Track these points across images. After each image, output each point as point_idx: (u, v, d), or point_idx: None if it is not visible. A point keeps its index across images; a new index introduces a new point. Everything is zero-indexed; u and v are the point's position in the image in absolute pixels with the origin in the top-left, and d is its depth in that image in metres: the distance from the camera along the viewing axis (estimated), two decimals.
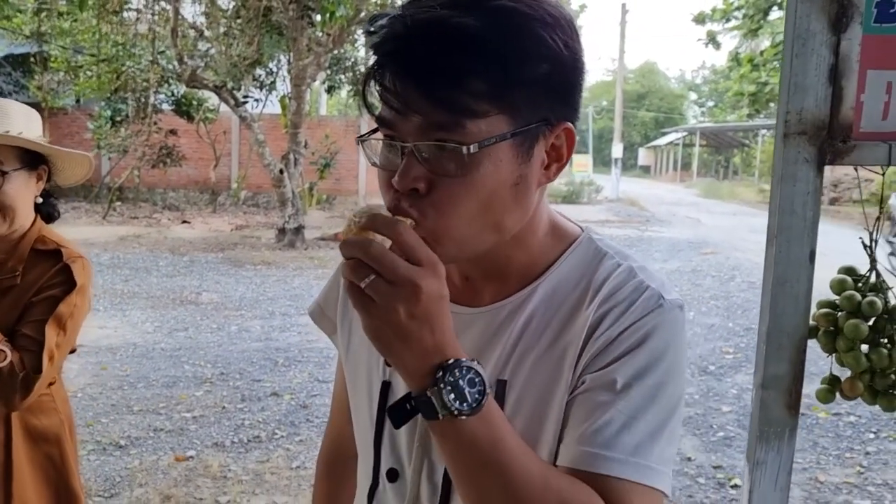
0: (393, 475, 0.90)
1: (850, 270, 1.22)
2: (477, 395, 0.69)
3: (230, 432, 4.35)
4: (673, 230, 15.51)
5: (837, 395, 1.22)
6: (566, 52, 0.77)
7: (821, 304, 1.22)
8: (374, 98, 0.79)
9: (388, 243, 0.68)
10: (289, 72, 12.05)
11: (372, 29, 0.77)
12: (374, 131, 0.80)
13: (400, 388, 0.88)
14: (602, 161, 43.53)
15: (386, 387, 0.90)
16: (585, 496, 0.74)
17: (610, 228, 15.22)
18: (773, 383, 1.21)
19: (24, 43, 12.30)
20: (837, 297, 1.19)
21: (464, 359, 0.70)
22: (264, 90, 14.69)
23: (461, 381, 0.69)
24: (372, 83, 0.77)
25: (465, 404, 0.69)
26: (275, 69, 14.53)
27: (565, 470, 0.77)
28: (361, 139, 0.81)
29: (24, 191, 1.67)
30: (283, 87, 14.34)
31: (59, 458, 1.74)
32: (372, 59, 0.77)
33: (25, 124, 1.68)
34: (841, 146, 1.14)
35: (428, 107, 0.73)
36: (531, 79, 0.75)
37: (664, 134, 43.89)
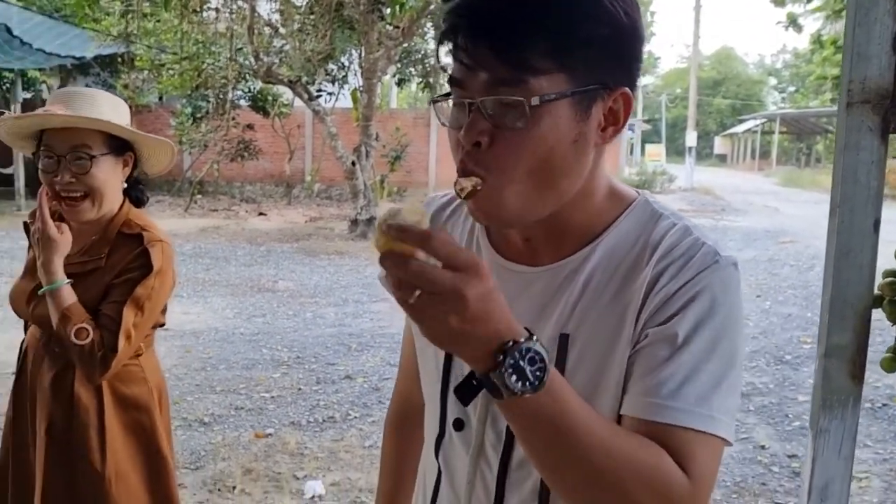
0: (459, 424, 0.95)
1: None
2: (538, 373, 0.70)
3: (306, 412, 4.52)
4: (749, 219, 15.07)
5: None
6: (626, 18, 0.81)
7: (886, 274, 1.22)
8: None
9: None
10: (360, 65, 12.25)
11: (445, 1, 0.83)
12: (447, 95, 0.85)
13: None
14: (676, 150, 42.49)
15: None
16: (653, 454, 0.76)
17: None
18: (837, 352, 1.23)
19: (112, 44, 12.89)
20: None
21: (522, 339, 0.70)
22: (336, 84, 14.98)
23: (521, 362, 0.70)
24: (446, 44, 0.83)
25: (527, 384, 0.70)
26: (346, 63, 14.78)
27: (631, 420, 0.80)
28: (434, 101, 0.87)
29: (111, 175, 1.75)
30: (355, 80, 14.58)
31: (148, 424, 1.83)
32: (447, 21, 0.83)
33: (112, 112, 1.76)
34: None
35: (494, 63, 0.78)
36: (591, 40, 0.79)
37: (741, 121, 42.51)
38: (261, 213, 15.54)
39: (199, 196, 16.69)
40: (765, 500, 3.52)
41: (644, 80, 46.99)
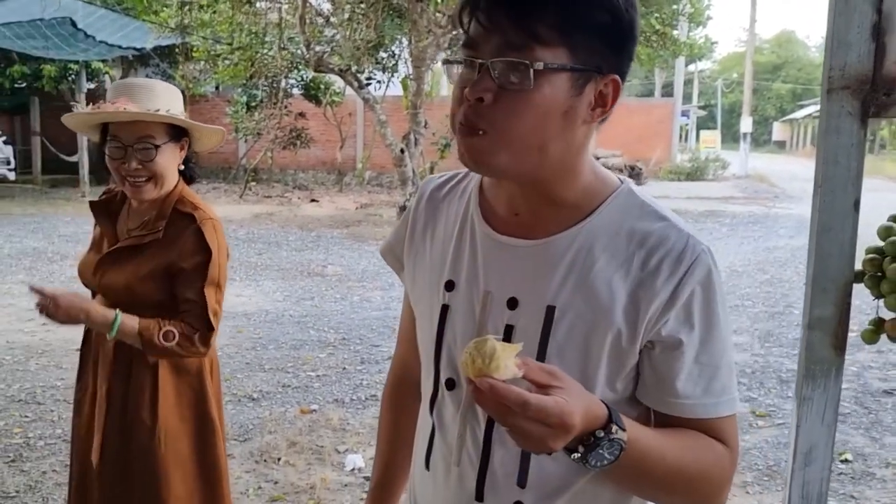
0: (451, 384, 1.04)
1: None
2: (616, 452, 0.84)
3: (349, 391, 4.70)
4: (803, 207, 14.70)
5: (884, 336, 1.28)
6: (626, 14, 0.91)
7: (868, 251, 1.28)
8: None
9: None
10: (410, 54, 12.38)
11: None
12: (458, 61, 0.94)
13: (457, 311, 1.04)
14: (732, 137, 41.49)
15: (445, 309, 1.05)
16: (709, 450, 0.96)
17: (733, 205, 14.67)
18: (819, 324, 1.29)
19: (170, 35, 13.33)
20: (884, 244, 1.26)
21: (600, 434, 0.83)
22: (387, 72, 15.15)
23: (599, 450, 0.83)
24: (467, 10, 0.93)
25: (605, 461, 0.84)
26: (396, 52, 14.93)
27: (678, 419, 0.96)
28: (447, 61, 0.97)
29: (171, 160, 1.94)
30: (405, 68, 14.72)
31: (199, 389, 2.01)
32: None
33: (170, 101, 1.94)
34: (885, 99, 1.20)
35: (507, 28, 0.88)
36: (593, 24, 0.89)
37: (802, 107, 41.27)
38: (313, 200, 15.86)
39: (254, 183, 17.11)
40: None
41: (700, 65, 45.92)
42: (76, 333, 2.13)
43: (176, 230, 1.91)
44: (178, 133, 1.96)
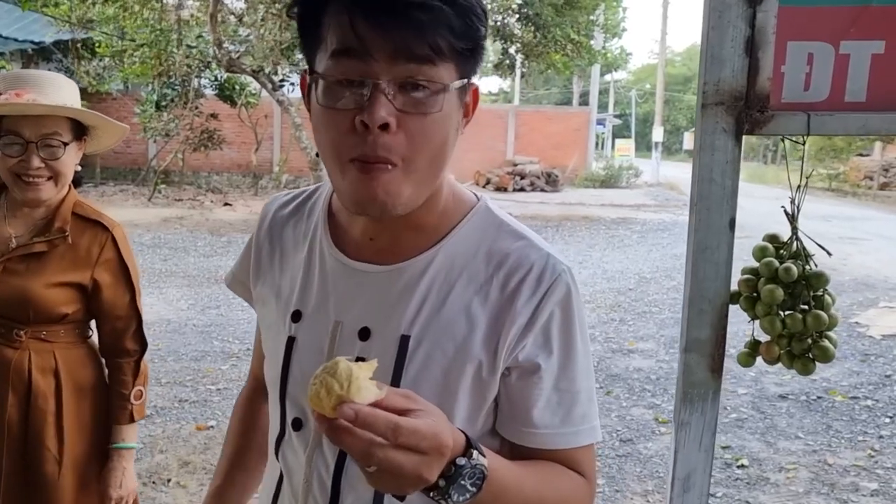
0: (297, 424, 0.95)
1: (773, 238, 1.26)
2: (478, 481, 0.75)
3: None
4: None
5: (759, 359, 1.25)
6: (486, 22, 0.85)
7: (744, 271, 1.25)
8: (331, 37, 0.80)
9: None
10: None
11: None
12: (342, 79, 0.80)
13: (304, 343, 0.94)
14: (646, 146, 42.87)
15: (291, 342, 0.95)
16: (568, 480, 0.90)
17: (645, 213, 15.07)
18: (696, 346, 1.26)
19: (70, 30, 12.69)
20: (759, 264, 1.23)
21: (462, 461, 0.74)
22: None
23: (461, 479, 0.74)
24: (330, 17, 0.79)
25: (466, 494, 0.75)
26: None
27: (535, 451, 0.90)
28: (315, 78, 0.81)
29: (73, 159, 1.80)
30: None
31: (101, 406, 1.86)
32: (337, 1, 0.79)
33: (74, 96, 1.81)
34: (758, 116, 1.17)
35: (410, 41, 0.76)
36: (474, 37, 0.82)
37: None
38: (226, 204, 15.40)
39: (164, 186, 16.50)
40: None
41: (616, 76, 47.27)
42: None
43: (88, 239, 1.80)
44: (79, 131, 1.82)
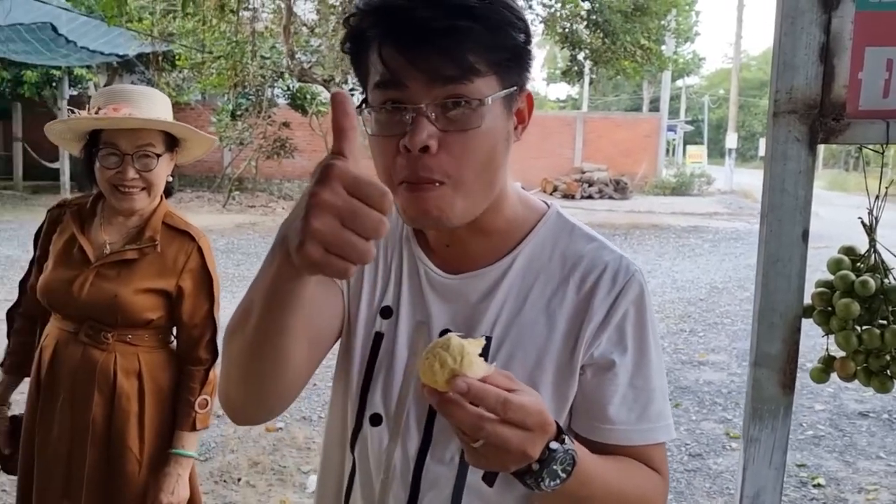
0: (376, 419, 0.97)
1: (849, 251, 1.21)
2: (568, 467, 0.77)
3: (318, 408, 4.59)
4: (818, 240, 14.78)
5: (834, 375, 1.21)
6: (528, 28, 0.87)
7: (818, 284, 1.22)
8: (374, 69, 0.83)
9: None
10: None
11: (362, 8, 0.83)
12: (385, 108, 0.83)
13: (392, 340, 0.97)
14: (720, 152, 41.78)
15: (378, 337, 0.98)
16: (645, 475, 0.91)
17: (718, 221, 14.67)
18: (766, 361, 1.22)
19: (152, 43, 13.24)
20: (833, 278, 1.19)
21: (555, 446, 0.76)
22: None
23: (554, 464, 0.76)
24: (371, 53, 0.83)
25: (557, 480, 0.77)
26: None
27: (613, 447, 0.90)
28: (363, 108, 0.85)
29: (165, 170, 1.88)
30: None
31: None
32: (370, 31, 0.82)
33: (167, 110, 1.90)
34: (834, 124, 1.14)
35: (440, 65, 0.79)
36: (512, 46, 0.84)
37: None
38: None
39: (238, 193, 16.98)
40: None
41: (688, 81, 46.26)
42: None
43: (176, 248, 1.87)
44: (171, 143, 1.90)
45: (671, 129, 29.39)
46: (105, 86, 18.14)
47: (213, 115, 15.75)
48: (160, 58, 14.01)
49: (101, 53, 13.33)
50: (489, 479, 0.90)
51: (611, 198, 19.14)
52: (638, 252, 11.14)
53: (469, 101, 0.81)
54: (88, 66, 16.11)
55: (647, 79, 26.69)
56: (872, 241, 1.18)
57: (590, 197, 19.07)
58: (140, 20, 13.36)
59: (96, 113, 1.80)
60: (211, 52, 12.57)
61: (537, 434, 0.73)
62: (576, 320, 0.91)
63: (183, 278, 1.85)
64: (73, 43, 12.32)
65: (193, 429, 1.88)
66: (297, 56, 11.73)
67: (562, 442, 0.76)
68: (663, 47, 17.33)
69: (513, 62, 0.85)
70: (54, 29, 11.76)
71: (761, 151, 47.84)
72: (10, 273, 8.47)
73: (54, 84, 16.30)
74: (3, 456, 1.97)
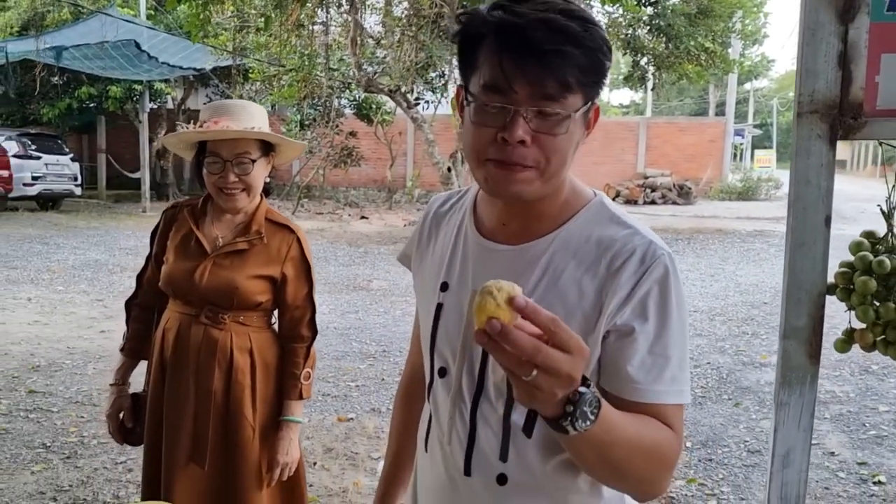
0: (442, 372, 1.17)
1: (869, 234, 1.36)
2: (595, 410, 0.87)
3: (387, 400, 4.83)
4: (856, 228, 14.29)
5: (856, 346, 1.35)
6: (611, 51, 1.04)
7: (841, 265, 1.36)
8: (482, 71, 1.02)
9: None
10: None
11: (482, 15, 1.02)
12: (492, 106, 1.01)
13: (450, 308, 1.16)
14: (790, 156, 40.60)
15: (439, 307, 1.18)
16: (661, 431, 1.02)
17: (783, 226, 14.35)
18: (794, 334, 1.37)
19: (227, 57, 13.86)
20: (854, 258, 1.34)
21: (583, 389, 0.84)
22: (436, 92, 15.42)
23: (584, 406, 0.85)
24: (482, 53, 1.01)
25: (587, 422, 0.86)
26: (446, 72, 15.21)
27: (627, 402, 1.03)
28: (468, 101, 1.04)
29: (262, 173, 2.12)
30: (454, 88, 14.96)
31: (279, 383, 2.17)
32: (488, 38, 1.01)
33: (262, 120, 2.14)
34: (852, 122, 1.29)
35: (544, 79, 0.98)
36: (599, 72, 1.03)
37: None
38: (362, 217, 16.16)
39: (306, 200, 17.53)
40: (826, 503, 3.54)
41: (757, 84, 45.17)
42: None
43: (279, 240, 2.13)
44: (267, 148, 2.15)
45: (738, 133, 28.81)
46: (182, 99, 19.00)
47: (283, 126, 16.32)
48: (234, 71, 14.63)
49: (180, 68, 14.04)
50: (528, 429, 1.04)
51: (674, 203, 18.95)
52: (701, 257, 11.07)
53: (561, 113, 1.00)
54: (167, 81, 16.92)
55: (713, 82, 26.29)
56: (890, 226, 1.33)
57: (652, 202, 18.92)
58: (216, 36, 14.00)
59: (200, 126, 2.07)
60: (283, 66, 13.07)
61: (577, 357, 0.80)
62: (603, 293, 1.05)
63: (286, 266, 2.10)
64: (154, 59, 13.04)
65: (300, 398, 2.13)
66: (363, 67, 12.10)
67: (588, 386, 0.88)
68: (729, 50, 17.10)
69: (598, 82, 1.03)
70: (137, 45, 12.48)
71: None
72: (99, 275, 9.04)
73: (136, 98, 17.16)
74: (126, 430, 2.25)
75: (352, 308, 7.66)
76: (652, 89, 16.78)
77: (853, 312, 1.35)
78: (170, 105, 19.31)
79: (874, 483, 3.73)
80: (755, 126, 39.03)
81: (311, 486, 3.62)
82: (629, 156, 21.32)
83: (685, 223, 14.82)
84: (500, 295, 0.80)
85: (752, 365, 5.73)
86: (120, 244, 11.55)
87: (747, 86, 40.70)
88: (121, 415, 2.23)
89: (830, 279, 1.36)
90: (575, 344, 0.81)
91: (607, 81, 1.07)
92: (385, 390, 5.02)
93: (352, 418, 4.57)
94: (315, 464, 3.86)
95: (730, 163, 23.08)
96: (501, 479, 1.10)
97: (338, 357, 5.86)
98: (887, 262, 1.28)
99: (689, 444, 4.22)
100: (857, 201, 20.59)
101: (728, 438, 4.34)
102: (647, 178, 19.92)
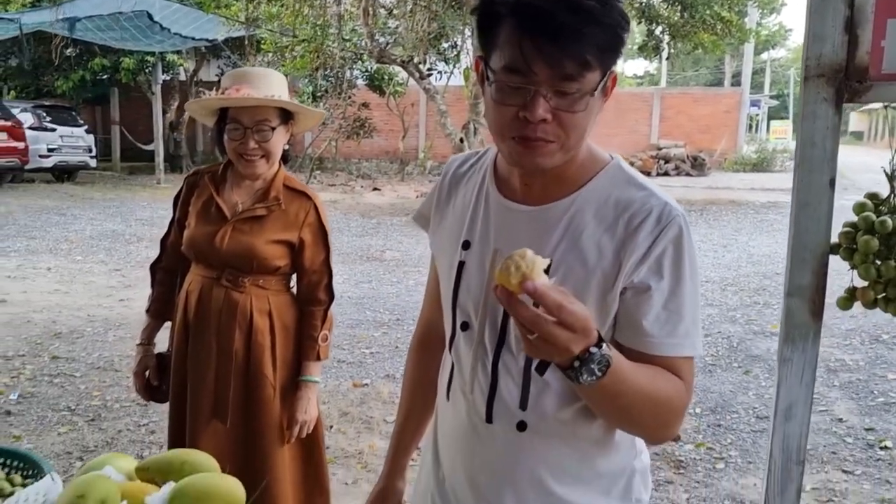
0: (465, 326, 1.23)
1: (872, 196, 1.39)
2: (603, 367, 0.94)
3: (401, 367, 4.90)
4: None
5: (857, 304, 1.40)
6: (629, 24, 1.07)
7: (845, 225, 1.40)
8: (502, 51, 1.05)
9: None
10: (472, 45, 12.54)
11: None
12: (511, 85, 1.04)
13: (471, 266, 1.22)
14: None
15: (461, 265, 1.23)
16: (672, 381, 1.09)
17: None
18: (797, 292, 1.42)
19: (239, 28, 13.83)
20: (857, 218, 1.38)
21: (594, 350, 0.92)
22: (449, 63, 15.34)
23: (591, 364, 0.93)
24: (502, 31, 1.04)
25: (594, 377, 0.94)
26: (458, 42, 15.11)
27: (640, 354, 1.08)
28: (488, 79, 1.08)
29: (281, 140, 2.16)
30: (467, 59, 14.89)
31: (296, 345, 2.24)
32: (507, 17, 1.04)
33: (281, 88, 2.18)
34: (857, 86, 1.32)
35: (563, 60, 1.01)
36: (619, 45, 1.06)
37: None
38: (375, 189, 16.20)
39: (318, 172, 17.56)
40: (832, 467, 3.60)
41: (774, 54, 44.52)
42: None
43: (297, 206, 2.18)
44: (286, 116, 2.19)
45: (754, 104, 28.49)
46: (194, 71, 19.00)
47: (295, 97, 16.20)
48: (247, 42, 14.61)
49: (193, 39, 14.03)
50: (541, 369, 1.13)
51: (688, 174, 18.86)
52: (713, 228, 11.06)
53: (580, 91, 1.03)
54: (179, 52, 16.91)
55: (729, 52, 25.95)
56: (892, 188, 1.36)
57: (665, 174, 18.84)
58: (228, 6, 13.97)
59: (222, 93, 2.12)
60: (296, 36, 13.04)
61: (580, 336, 0.89)
62: (621, 252, 1.10)
63: (303, 231, 2.16)
64: (167, 30, 13.04)
65: (317, 359, 2.20)
66: (375, 38, 12.05)
67: (599, 347, 0.94)
68: (745, 19, 16.87)
69: (616, 56, 1.06)
70: (150, 17, 12.48)
71: (852, 126, 45.77)
72: (116, 246, 9.17)
73: (148, 70, 17.19)
74: (152, 387, 2.34)
75: (365, 278, 7.75)
76: (667, 59, 16.63)
77: (855, 272, 1.40)
78: (182, 77, 19.32)
79: (881, 448, 3.79)
80: (771, 97, 38.56)
81: (327, 447, 3.71)
82: (643, 127, 21.18)
83: (698, 195, 14.78)
84: (516, 275, 0.89)
85: (763, 334, 5.78)
86: (136, 215, 11.66)
87: (764, 55, 40.15)
88: (147, 373, 2.32)
89: (834, 240, 1.41)
90: (580, 325, 0.89)
91: (622, 51, 1.10)
92: (399, 357, 5.10)
93: (367, 384, 4.67)
94: (331, 427, 3.96)
95: (745, 134, 22.89)
96: (521, 426, 1.17)
97: (352, 325, 5.95)
98: (889, 221, 1.32)
99: (697, 411, 4.29)
100: (872, 172, 20.34)
101: (737, 405, 4.40)
102: (660, 149, 19.82)
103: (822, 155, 1.36)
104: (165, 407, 2.32)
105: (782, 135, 26.15)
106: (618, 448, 1.19)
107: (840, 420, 4.15)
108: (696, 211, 12.55)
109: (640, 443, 1.24)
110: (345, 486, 3.41)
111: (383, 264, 8.49)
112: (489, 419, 1.19)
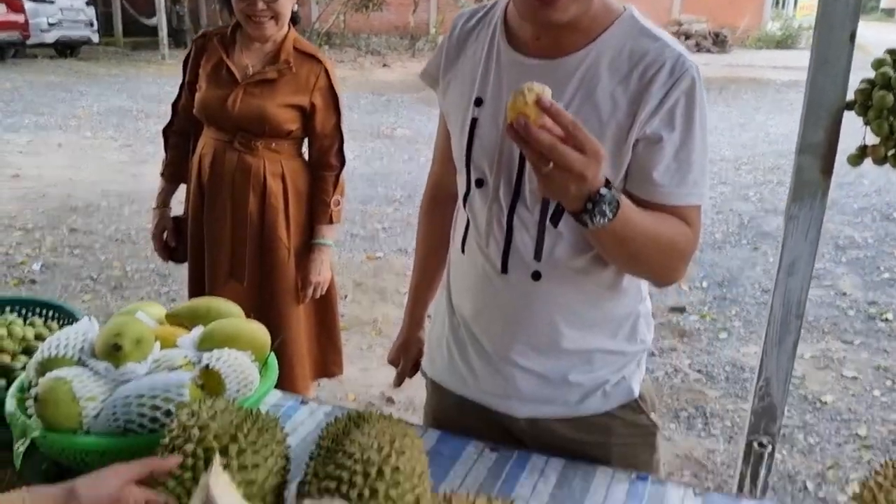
0: (479, 182, 1.24)
1: (893, 52, 1.37)
2: (614, 209, 0.97)
3: (412, 241, 4.97)
4: None
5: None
6: None
7: (862, 81, 1.39)
8: None
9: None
10: None
11: None
12: None
13: (484, 123, 1.22)
14: None
15: (474, 122, 1.23)
16: (679, 227, 1.11)
17: None
18: (809, 149, 1.43)
19: None
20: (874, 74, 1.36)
21: (604, 191, 0.94)
22: None
23: (603, 205, 0.95)
24: None
25: (605, 219, 0.96)
26: None
27: (652, 204, 1.11)
28: None
29: (290, 1, 2.14)
30: None
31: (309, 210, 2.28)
32: None
33: None
34: None
35: None
36: None
37: None
38: (384, 65, 15.84)
39: (327, 47, 17.12)
40: (832, 337, 3.71)
41: None
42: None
43: (307, 69, 2.17)
44: None
45: None
46: None
47: None
48: None
49: None
50: (555, 220, 1.15)
51: (709, 51, 18.27)
52: (731, 107, 10.83)
53: None
54: None
55: None
56: None
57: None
58: None
59: None
60: None
61: (592, 160, 0.89)
62: (634, 104, 1.10)
63: (314, 95, 2.15)
64: None
65: (330, 222, 2.25)
66: None
67: (609, 189, 0.97)
68: None
69: None
70: None
71: (883, 3, 43.71)
72: (124, 122, 9.12)
73: None
74: (170, 249, 2.40)
75: (376, 155, 7.73)
76: None
77: (868, 131, 1.40)
78: None
79: (882, 320, 3.89)
80: None
81: (342, 315, 3.85)
82: (664, 1, 20.32)
83: (718, 72, 14.37)
84: (530, 95, 0.89)
85: (775, 212, 5.79)
86: (142, 91, 11.51)
87: None
88: (164, 234, 2.38)
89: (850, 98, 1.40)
90: (591, 147, 0.89)
91: None
92: (411, 232, 5.17)
93: (379, 257, 4.76)
94: (346, 297, 4.08)
95: (770, 9, 21.96)
96: (536, 276, 1.21)
97: (364, 201, 6.00)
98: None
99: (704, 284, 4.37)
100: None
101: (744, 279, 4.48)
102: (681, 24, 19.09)
103: (844, 9, 1.34)
104: (184, 277, 2.38)
105: (810, 11, 25.00)
106: (626, 293, 1.24)
107: (844, 294, 4.23)
108: (715, 89, 12.24)
109: (644, 288, 1.29)
110: (360, 351, 3.56)
111: (394, 141, 8.44)
112: (504, 270, 1.23)
